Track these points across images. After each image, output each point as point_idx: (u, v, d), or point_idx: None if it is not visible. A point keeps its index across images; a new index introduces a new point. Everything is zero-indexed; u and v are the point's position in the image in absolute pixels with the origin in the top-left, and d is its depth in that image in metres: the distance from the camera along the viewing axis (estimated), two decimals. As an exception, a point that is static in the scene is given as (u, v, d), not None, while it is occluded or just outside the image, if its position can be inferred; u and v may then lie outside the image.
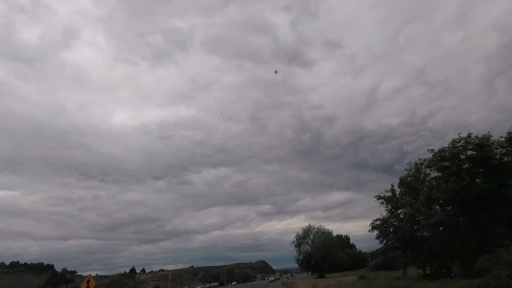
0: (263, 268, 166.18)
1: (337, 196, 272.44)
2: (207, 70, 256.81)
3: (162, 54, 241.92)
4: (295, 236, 61.73)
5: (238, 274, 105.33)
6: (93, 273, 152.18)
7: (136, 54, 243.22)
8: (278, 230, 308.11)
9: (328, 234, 61.17)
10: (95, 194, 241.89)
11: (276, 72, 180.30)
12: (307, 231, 61.00)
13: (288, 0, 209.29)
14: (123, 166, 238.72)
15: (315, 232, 60.77)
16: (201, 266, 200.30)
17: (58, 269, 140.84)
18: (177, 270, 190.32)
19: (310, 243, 60.13)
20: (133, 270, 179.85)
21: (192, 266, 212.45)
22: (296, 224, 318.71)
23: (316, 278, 54.36)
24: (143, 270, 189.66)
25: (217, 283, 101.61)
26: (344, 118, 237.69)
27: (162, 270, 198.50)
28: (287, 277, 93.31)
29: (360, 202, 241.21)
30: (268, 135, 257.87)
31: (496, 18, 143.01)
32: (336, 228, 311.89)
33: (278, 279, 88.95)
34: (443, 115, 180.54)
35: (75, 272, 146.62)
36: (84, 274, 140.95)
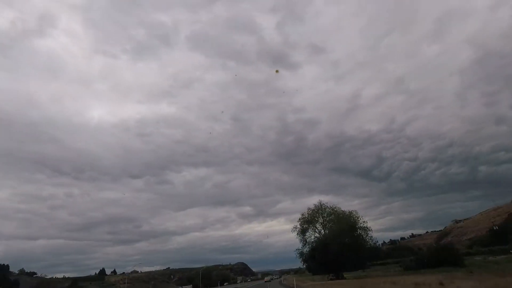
0: (242, 270, 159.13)
1: (317, 199, 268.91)
2: (190, 68, 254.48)
3: (144, 48, 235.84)
4: (299, 220, 45.61)
5: (216, 276, 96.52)
6: (60, 275, 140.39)
7: (116, 46, 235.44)
8: (258, 232, 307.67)
9: (348, 215, 43.42)
10: (67, 192, 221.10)
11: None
12: (316, 211, 44.94)
13: (275, 1, 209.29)
14: (99, 163, 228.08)
15: (327, 213, 44.44)
16: (178, 268, 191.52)
17: (15, 270, 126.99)
18: (151, 271, 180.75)
19: (320, 228, 43.73)
20: (102, 271, 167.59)
21: (169, 268, 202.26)
22: (276, 226, 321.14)
23: (333, 280, 40.74)
24: (114, 272, 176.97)
25: (190, 285, 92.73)
26: (326, 122, 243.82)
27: (135, 271, 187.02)
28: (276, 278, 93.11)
29: (339, 205, 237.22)
30: (250, 136, 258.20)
31: (470, 34, 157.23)
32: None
33: (272, 280, 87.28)
34: (419, 123, 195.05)
35: (35, 273, 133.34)
36: (48, 276, 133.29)
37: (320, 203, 45.69)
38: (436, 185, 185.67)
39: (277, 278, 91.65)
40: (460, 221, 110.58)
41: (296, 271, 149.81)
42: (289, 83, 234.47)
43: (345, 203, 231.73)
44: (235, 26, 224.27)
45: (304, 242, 44.35)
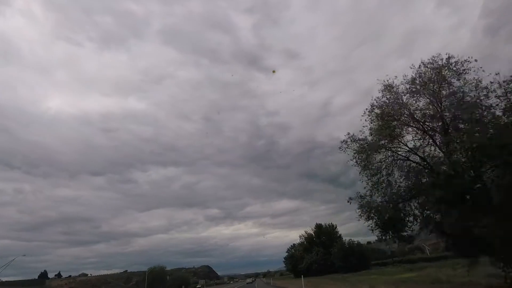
0: (207, 273, 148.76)
1: (286, 204, 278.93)
2: (162, 63, 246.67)
3: (112, 38, 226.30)
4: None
5: (173, 279, 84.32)
6: (4, 278, 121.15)
7: (81, 33, 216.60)
8: (225, 235, 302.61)
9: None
10: (17, 187, 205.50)
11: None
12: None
13: (252, 2, 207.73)
14: (55, 158, 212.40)
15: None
16: (137, 270, 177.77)
17: None
18: (106, 275, 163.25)
19: None
20: (43, 274, 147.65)
21: (126, 271, 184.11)
22: (244, 230, 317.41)
23: None
24: (58, 275, 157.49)
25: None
26: (298, 127, 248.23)
27: (83, 274, 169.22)
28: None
29: (307, 210, 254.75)
30: (221, 137, 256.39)
31: (433, 52, 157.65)
32: (283, 235, 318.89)
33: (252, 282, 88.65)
34: None
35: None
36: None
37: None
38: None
39: (252, 282, 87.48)
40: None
41: (265, 275, 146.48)
42: (263, 86, 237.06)
43: (313, 208, 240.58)
44: (211, 23, 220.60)
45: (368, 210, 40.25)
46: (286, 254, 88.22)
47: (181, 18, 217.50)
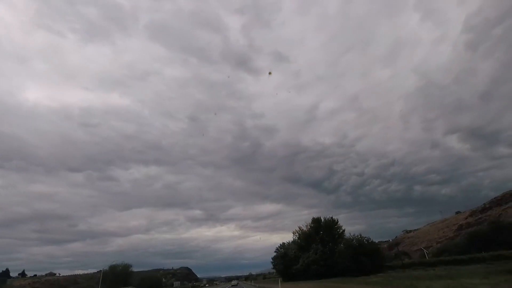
0: (186, 275, 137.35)
1: (268, 207, 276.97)
2: (148, 59, 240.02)
3: (96, 31, 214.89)
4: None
5: (142, 279, 72.11)
6: None
7: (63, 23, 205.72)
8: (207, 237, 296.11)
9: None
10: None
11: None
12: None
13: (242, 3, 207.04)
14: (31, 152, 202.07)
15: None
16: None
17: None
18: (77, 275, 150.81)
19: None
20: (5, 273, 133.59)
21: (100, 270, 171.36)
22: (226, 232, 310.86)
23: None
24: (23, 274, 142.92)
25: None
26: (284, 131, 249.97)
27: (51, 274, 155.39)
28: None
29: (289, 214, 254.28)
30: (206, 138, 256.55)
31: (416, 64, 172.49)
32: (264, 238, 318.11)
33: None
34: (368, 141, 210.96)
35: None
36: None
37: None
38: (377, 200, 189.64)
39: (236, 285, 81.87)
40: (410, 231, 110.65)
41: (247, 277, 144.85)
42: (251, 87, 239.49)
43: (295, 213, 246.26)
44: (200, 21, 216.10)
45: None
46: (275, 253, 79.32)
47: (170, 14, 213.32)
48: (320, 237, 53.47)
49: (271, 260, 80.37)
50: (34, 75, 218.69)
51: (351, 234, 48.36)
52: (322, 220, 55.00)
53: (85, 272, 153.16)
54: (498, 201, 69.40)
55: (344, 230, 51.77)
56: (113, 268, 69.06)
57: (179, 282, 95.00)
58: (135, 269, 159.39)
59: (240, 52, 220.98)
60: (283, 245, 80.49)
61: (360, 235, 44.71)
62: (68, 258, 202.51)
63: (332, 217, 53.83)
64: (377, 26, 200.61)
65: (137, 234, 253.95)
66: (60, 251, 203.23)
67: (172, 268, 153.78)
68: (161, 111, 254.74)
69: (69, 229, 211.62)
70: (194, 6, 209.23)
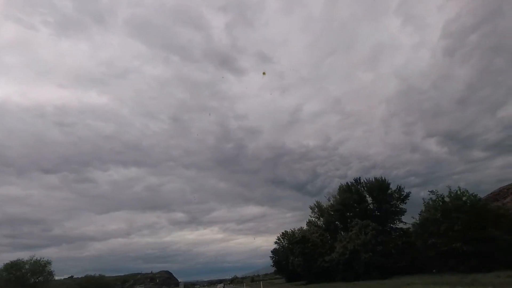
0: (166, 279, 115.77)
1: (252, 210, 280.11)
2: (128, 56, 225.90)
3: (71, 24, 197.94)
4: None
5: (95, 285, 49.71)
6: None
7: (35, 16, 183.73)
8: (189, 240, 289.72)
9: None
10: None
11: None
12: None
13: (226, 1, 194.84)
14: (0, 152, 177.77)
15: None
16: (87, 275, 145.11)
17: None
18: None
19: None
20: None
21: (72, 276, 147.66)
22: (209, 235, 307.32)
23: None
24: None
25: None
26: (268, 132, 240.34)
27: None
28: None
29: (273, 217, 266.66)
30: (188, 139, 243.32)
31: (397, 68, 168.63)
32: (248, 241, 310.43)
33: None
34: (351, 144, 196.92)
35: None
36: None
37: None
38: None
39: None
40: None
41: (232, 280, 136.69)
42: (234, 88, 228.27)
43: (279, 215, 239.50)
44: (182, 18, 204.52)
45: None
46: (276, 245, 60.84)
47: (151, 10, 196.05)
48: (361, 210, 32.86)
49: (271, 255, 61.37)
50: (4, 69, 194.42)
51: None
52: (365, 182, 34.09)
53: (58, 278, 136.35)
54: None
55: (408, 194, 30.83)
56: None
57: (143, 285, 70.95)
58: (113, 274, 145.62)
59: (223, 52, 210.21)
60: (285, 234, 60.56)
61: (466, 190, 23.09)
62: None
63: (382, 177, 32.93)
64: (359, 29, 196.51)
65: (117, 238, 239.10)
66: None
67: (151, 272, 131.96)
68: (141, 111, 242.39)
69: (43, 234, 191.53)
70: (177, 2, 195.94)
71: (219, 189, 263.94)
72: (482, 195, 27.20)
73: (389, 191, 32.24)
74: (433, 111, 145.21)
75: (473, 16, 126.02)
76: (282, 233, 61.59)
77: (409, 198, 30.75)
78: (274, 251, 61.17)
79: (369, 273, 26.60)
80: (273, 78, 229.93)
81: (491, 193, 32.61)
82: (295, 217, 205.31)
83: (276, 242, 61.08)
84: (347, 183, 36.42)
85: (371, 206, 33.13)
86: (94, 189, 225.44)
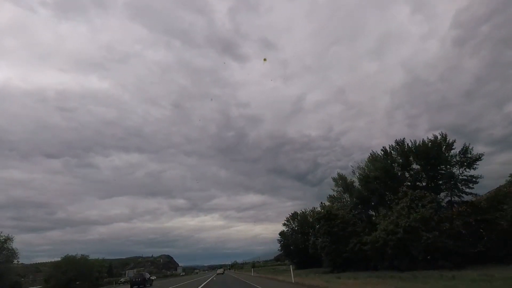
0: (166, 263, 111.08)
1: (252, 198, 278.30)
2: (128, 40, 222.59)
3: (71, 7, 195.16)
4: None
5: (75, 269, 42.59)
6: None
7: None
8: (190, 226, 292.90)
9: None
10: None
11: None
12: None
13: None
14: (2, 137, 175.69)
15: None
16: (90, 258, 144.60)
17: None
18: (42, 263, 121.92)
19: None
20: None
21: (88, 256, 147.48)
22: (209, 222, 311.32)
23: None
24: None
25: None
26: (270, 121, 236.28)
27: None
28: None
29: (272, 206, 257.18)
30: (190, 126, 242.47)
31: (403, 59, 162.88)
32: (247, 229, 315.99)
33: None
34: (353, 135, 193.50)
35: None
36: None
37: None
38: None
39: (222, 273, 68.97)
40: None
41: (232, 266, 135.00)
42: (237, 75, 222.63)
43: (279, 204, 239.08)
44: (184, 1, 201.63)
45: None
46: (284, 228, 54.23)
47: None
48: (405, 179, 24.83)
49: (278, 238, 54.66)
50: (3, 53, 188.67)
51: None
52: (408, 144, 25.79)
53: (51, 260, 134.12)
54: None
55: (479, 157, 22.39)
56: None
57: (126, 272, 62.40)
58: (115, 257, 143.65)
59: (226, 37, 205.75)
60: (295, 215, 53.73)
61: None
62: (48, 246, 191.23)
63: (441, 134, 24.46)
64: (366, 18, 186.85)
65: (119, 222, 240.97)
66: (38, 239, 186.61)
67: (152, 256, 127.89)
68: (143, 97, 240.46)
69: (47, 217, 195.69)
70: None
71: (220, 177, 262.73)
72: (482, 191, 23.41)
73: (449, 153, 23.83)
74: (439, 104, 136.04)
75: (485, 6, 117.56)
76: (291, 214, 54.75)
77: (480, 161, 22.28)
78: (282, 234, 54.17)
79: (432, 261, 18.70)
80: (276, 66, 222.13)
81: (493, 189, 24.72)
82: (295, 207, 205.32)
83: (284, 224, 53.95)
84: (383, 148, 28.19)
85: (420, 174, 24.90)
86: (96, 174, 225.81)
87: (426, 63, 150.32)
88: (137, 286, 32.33)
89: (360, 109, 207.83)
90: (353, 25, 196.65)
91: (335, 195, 35.30)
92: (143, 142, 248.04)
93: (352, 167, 32.92)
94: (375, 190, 26.34)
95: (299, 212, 54.11)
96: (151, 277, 41.00)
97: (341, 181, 34.48)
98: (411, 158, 25.76)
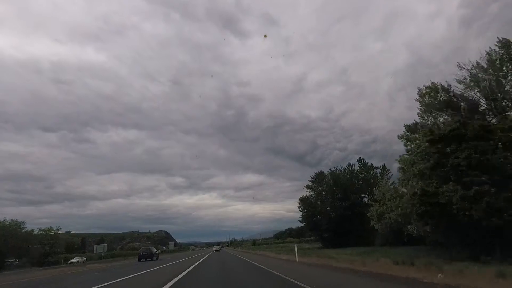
0: (163, 239, 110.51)
1: (251, 178, 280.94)
2: (126, 11, 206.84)
3: None
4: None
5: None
6: None
7: None
8: (188, 204, 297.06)
9: None
10: None
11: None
12: None
13: None
14: None
15: None
16: (92, 232, 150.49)
17: None
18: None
19: None
20: None
21: (70, 231, 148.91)
22: (207, 200, 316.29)
23: None
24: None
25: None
26: (270, 101, 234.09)
27: None
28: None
29: (270, 186, 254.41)
30: (189, 104, 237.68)
31: (409, 39, 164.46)
32: (245, 208, 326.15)
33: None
34: (353, 116, 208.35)
35: None
36: None
37: None
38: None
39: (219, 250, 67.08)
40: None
41: (230, 243, 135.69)
42: (237, 52, 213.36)
43: (277, 184, 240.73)
44: None
45: None
46: (307, 191, 43.22)
47: None
48: None
49: (298, 205, 42.08)
50: None
51: None
52: None
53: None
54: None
55: None
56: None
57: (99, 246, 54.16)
58: (111, 232, 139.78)
59: (227, 11, 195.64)
60: (321, 174, 43.72)
61: None
62: (46, 219, 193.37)
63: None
64: None
65: (117, 198, 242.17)
66: (37, 212, 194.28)
67: (149, 231, 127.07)
68: (140, 72, 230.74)
69: (46, 191, 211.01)
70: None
71: (218, 156, 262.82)
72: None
73: None
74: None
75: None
76: (316, 173, 43.14)
77: None
78: (303, 200, 41.70)
79: None
80: (278, 43, 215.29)
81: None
82: (293, 187, 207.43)
83: (308, 186, 43.13)
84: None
85: None
86: (93, 149, 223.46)
87: (431, 44, 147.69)
88: (144, 260, 34.56)
89: (362, 90, 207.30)
90: (359, 2, 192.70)
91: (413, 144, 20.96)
92: (141, 119, 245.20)
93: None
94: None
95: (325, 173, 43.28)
96: (157, 252, 42.48)
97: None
98: None
